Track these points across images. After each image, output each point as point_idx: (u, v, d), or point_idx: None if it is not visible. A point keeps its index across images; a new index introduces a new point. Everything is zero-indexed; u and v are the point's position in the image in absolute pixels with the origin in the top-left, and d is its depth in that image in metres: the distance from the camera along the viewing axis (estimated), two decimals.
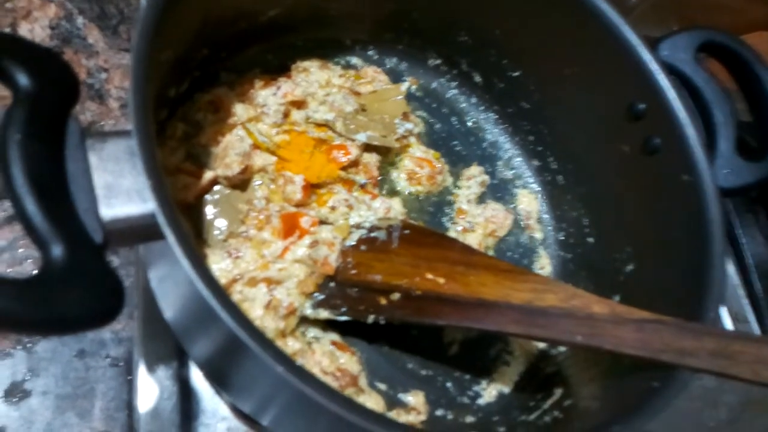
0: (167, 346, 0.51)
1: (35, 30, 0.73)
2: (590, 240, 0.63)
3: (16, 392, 0.55)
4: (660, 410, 0.41)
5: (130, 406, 0.57)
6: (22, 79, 0.32)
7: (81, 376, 0.57)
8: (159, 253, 0.39)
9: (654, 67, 0.55)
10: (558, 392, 0.53)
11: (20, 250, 0.61)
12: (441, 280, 0.50)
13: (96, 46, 0.74)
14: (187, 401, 0.51)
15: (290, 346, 0.50)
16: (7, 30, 0.72)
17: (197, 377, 0.52)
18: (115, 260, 0.63)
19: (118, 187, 0.33)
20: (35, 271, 0.29)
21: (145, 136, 0.33)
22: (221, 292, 0.32)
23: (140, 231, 0.33)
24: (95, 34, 0.75)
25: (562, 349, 0.57)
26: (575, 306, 0.46)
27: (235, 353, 0.35)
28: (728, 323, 0.78)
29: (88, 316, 0.29)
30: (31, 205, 0.29)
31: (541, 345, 0.58)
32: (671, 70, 0.57)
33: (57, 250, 0.29)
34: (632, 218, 0.58)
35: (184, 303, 0.39)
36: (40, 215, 0.29)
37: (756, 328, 0.79)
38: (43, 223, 0.29)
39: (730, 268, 0.81)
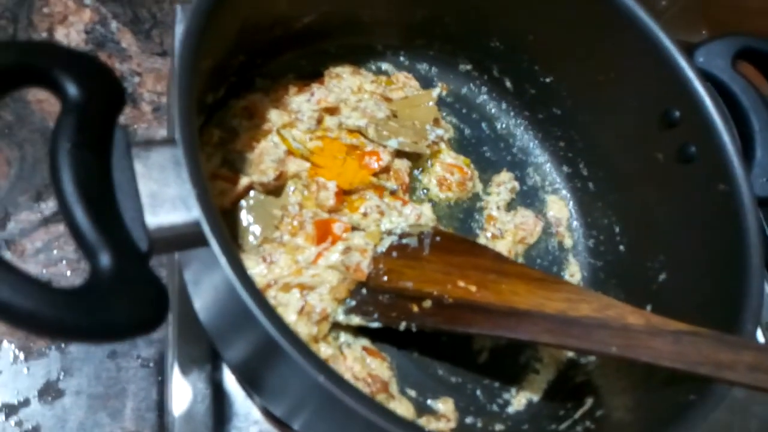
0: (201, 348, 0.51)
1: (71, 34, 0.74)
2: (621, 248, 0.62)
3: (51, 392, 0.56)
4: (697, 424, 0.40)
5: (160, 407, 0.58)
6: (71, 89, 0.32)
7: (113, 377, 0.58)
8: (195, 256, 0.39)
9: (690, 74, 0.55)
10: (589, 402, 0.53)
11: (55, 252, 0.62)
12: (473, 288, 0.50)
13: (129, 50, 0.75)
14: (219, 404, 0.51)
15: (323, 351, 0.50)
16: (44, 34, 0.73)
17: (230, 380, 0.52)
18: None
19: (163, 196, 0.34)
20: (78, 279, 0.30)
21: (189, 144, 0.33)
22: (262, 299, 0.33)
23: (185, 238, 0.34)
24: (128, 38, 0.76)
25: (591, 358, 0.57)
26: (610, 316, 0.45)
27: (270, 357, 0.35)
28: (759, 333, 0.77)
29: (134, 324, 0.30)
30: (80, 215, 0.29)
31: (571, 353, 0.58)
32: (707, 77, 0.57)
33: (105, 260, 0.29)
34: (665, 227, 0.57)
35: (221, 306, 0.39)
36: (89, 224, 0.29)
37: None
38: (91, 233, 0.29)
39: None
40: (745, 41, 0.58)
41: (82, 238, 0.30)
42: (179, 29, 0.59)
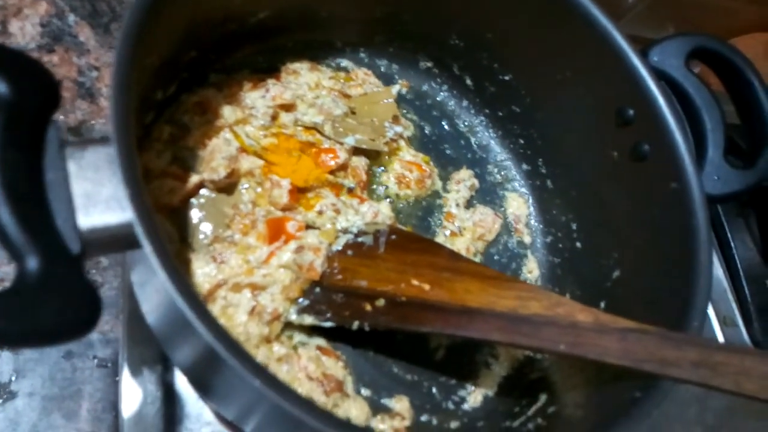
0: (152, 350, 0.50)
1: (26, 27, 0.72)
2: (578, 245, 0.63)
3: (2, 393, 0.55)
4: (641, 420, 0.41)
5: (117, 408, 0.57)
6: (0, 87, 0.32)
7: (68, 377, 0.57)
8: (139, 258, 0.38)
9: (643, 73, 0.55)
10: (542, 398, 0.53)
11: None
12: (426, 287, 0.50)
13: (87, 44, 0.74)
14: (171, 406, 0.50)
15: (276, 351, 0.50)
16: None
17: (182, 382, 0.52)
18: (103, 261, 0.63)
19: (97, 196, 0.33)
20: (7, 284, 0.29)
21: (124, 144, 0.33)
22: (197, 303, 0.32)
23: (119, 240, 0.33)
24: (86, 32, 0.74)
25: (547, 355, 0.57)
26: (559, 314, 0.46)
27: (214, 363, 0.35)
28: (716, 327, 0.78)
29: (64, 329, 0.29)
30: (5, 216, 0.28)
31: (527, 351, 0.58)
32: (661, 76, 0.57)
33: (32, 262, 0.29)
34: (620, 224, 0.58)
35: (163, 310, 0.39)
36: (16, 227, 0.29)
37: (744, 332, 0.79)
38: (18, 235, 0.29)
39: (719, 272, 0.82)
40: (699, 40, 0.59)
41: (7, 240, 0.29)
42: None
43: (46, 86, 0.34)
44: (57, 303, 0.29)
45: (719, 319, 0.79)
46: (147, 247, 0.31)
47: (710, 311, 0.79)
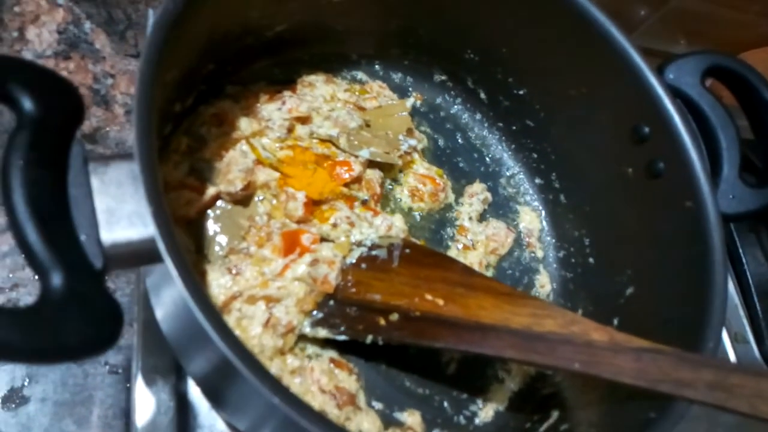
0: (166, 359, 0.51)
1: (43, 34, 0.73)
2: (591, 260, 0.63)
3: (15, 398, 0.56)
4: None
5: (127, 414, 0.57)
6: (27, 104, 0.32)
7: (79, 383, 0.58)
8: (155, 269, 0.39)
9: (659, 90, 0.55)
10: (555, 415, 0.53)
11: (23, 255, 0.61)
12: (440, 302, 0.50)
13: (103, 51, 0.74)
14: (184, 415, 0.51)
15: (289, 363, 0.50)
16: (15, 33, 0.72)
17: (195, 392, 0.52)
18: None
19: (120, 212, 0.33)
20: (32, 298, 0.29)
21: (147, 160, 0.33)
22: (215, 315, 0.33)
23: (141, 255, 0.34)
24: (102, 39, 0.75)
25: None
26: (574, 332, 0.46)
27: (228, 374, 0.35)
28: (727, 344, 0.78)
29: (86, 345, 0.29)
30: (31, 234, 0.29)
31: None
32: (677, 94, 0.57)
33: (56, 279, 0.29)
34: (634, 241, 0.58)
35: (179, 321, 0.39)
36: (40, 243, 0.29)
37: (755, 349, 0.79)
38: (42, 252, 0.29)
39: (730, 288, 0.81)
40: (714, 59, 0.59)
41: (32, 257, 0.29)
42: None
43: (71, 102, 0.34)
44: (80, 319, 0.29)
45: (730, 336, 0.78)
46: (168, 263, 0.31)
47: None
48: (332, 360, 0.52)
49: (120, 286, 0.63)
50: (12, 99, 0.32)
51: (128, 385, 0.58)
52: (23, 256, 0.29)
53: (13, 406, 0.55)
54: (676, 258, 0.53)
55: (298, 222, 0.53)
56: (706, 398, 0.41)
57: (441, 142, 0.68)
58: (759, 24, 1.10)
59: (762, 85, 0.59)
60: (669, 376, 0.42)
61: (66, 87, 0.34)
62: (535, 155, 0.68)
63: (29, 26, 0.73)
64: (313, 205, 0.55)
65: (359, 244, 0.55)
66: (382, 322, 0.50)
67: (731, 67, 0.59)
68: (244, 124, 0.54)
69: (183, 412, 0.51)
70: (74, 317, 0.29)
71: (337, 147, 0.58)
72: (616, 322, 0.56)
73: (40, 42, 0.73)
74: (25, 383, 0.56)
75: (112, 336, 0.30)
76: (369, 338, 0.50)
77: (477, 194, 0.65)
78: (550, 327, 0.46)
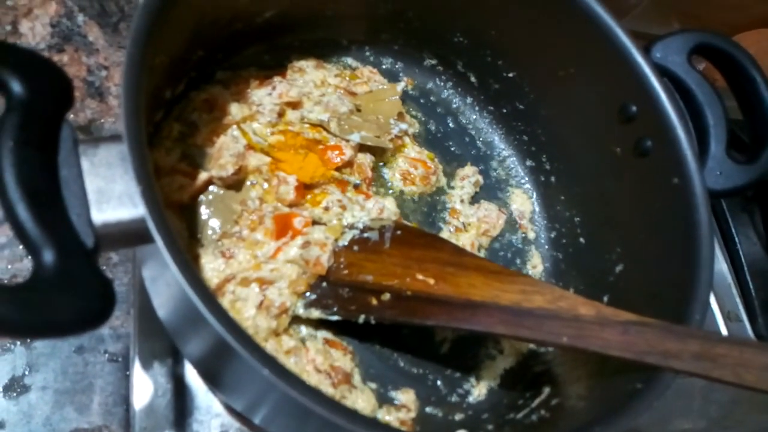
0: (162, 343, 0.51)
1: (36, 28, 0.73)
2: (582, 240, 0.63)
3: (16, 387, 0.56)
4: (642, 412, 0.41)
5: (128, 401, 0.58)
6: (15, 86, 0.33)
7: (80, 372, 0.58)
8: (150, 253, 0.39)
9: (646, 69, 0.56)
10: (546, 391, 0.54)
11: (20, 246, 0.62)
12: (431, 281, 0.51)
13: (96, 43, 0.75)
14: (181, 398, 0.51)
15: (285, 343, 0.50)
16: (8, 27, 0.73)
17: (191, 374, 0.53)
18: (114, 257, 0.64)
19: (110, 192, 0.34)
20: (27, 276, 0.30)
21: (135, 141, 0.34)
22: (208, 295, 0.33)
23: (131, 235, 0.34)
24: (95, 32, 0.75)
25: (550, 348, 0.58)
26: (562, 307, 0.46)
27: (224, 354, 0.36)
28: (720, 322, 0.79)
29: (78, 320, 0.30)
30: (22, 212, 0.29)
31: (531, 344, 0.59)
32: (664, 72, 0.58)
33: (48, 256, 0.30)
34: (623, 219, 0.59)
35: (174, 303, 0.40)
36: (32, 222, 0.30)
37: (748, 327, 0.80)
38: (34, 230, 0.30)
39: (724, 267, 0.82)
40: (701, 37, 0.59)
41: (24, 235, 0.30)
42: None
43: (59, 85, 0.35)
44: (72, 295, 0.30)
45: (723, 314, 0.79)
46: (158, 241, 0.32)
47: (714, 306, 0.80)
48: (327, 340, 0.53)
49: (118, 275, 0.64)
50: (0, 82, 0.32)
51: (128, 372, 0.59)
52: (15, 234, 0.30)
53: (15, 394, 0.56)
54: (664, 234, 0.53)
55: (290, 206, 0.54)
56: (692, 368, 0.42)
57: (432, 126, 0.69)
58: (752, 5, 1.10)
59: (749, 62, 0.60)
60: (655, 348, 0.43)
61: (54, 70, 0.34)
62: (526, 138, 0.69)
63: (22, 20, 0.74)
64: (305, 189, 0.55)
65: (351, 226, 0.56)
66: (374, 302, 0.51)
67: (718, 45, 0.60)
68: (235, 110, 0.54)
69: (180, 394, 0.52)
70: (66, 294, 0.30)
71: (328, 131, 0.59)
72: (606, 299, 0.57)
73: (33, 35, 0.73)
74: (26, 372, 0.57)
75: (103, 312, 0.31)
76: (361, 318, 0.51)
77: (468, 177, 0.66)
78: (539, 303, 0.47)
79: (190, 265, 0.33)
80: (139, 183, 0.32)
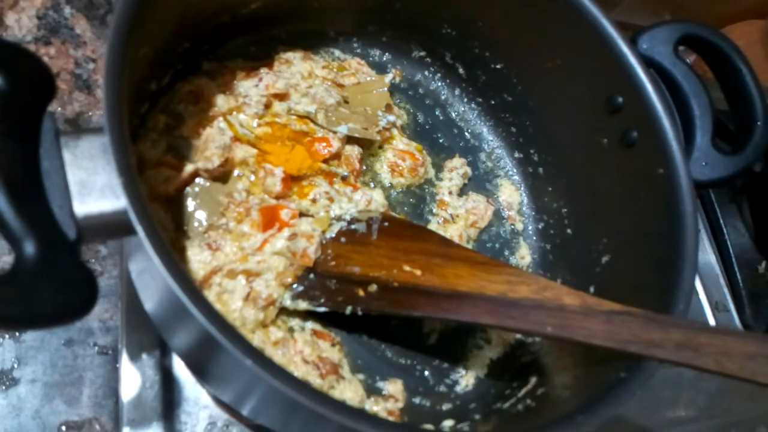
0: (150, 335, 0.52)
1: (22, 20, 0.73)
2: (569, 231, 0.64)
3: (5, 380, 0.56)
4: (624, 400, 0.42)
5: (117, 394, 0.58)
6: None
7: (69, 364, 0.58)
8: (135, 246, 0.39)
9: (632, 60, 0.56)
10: (533, 381, 0.54)
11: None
12: (418, 272, 0.51)
13: (83, 36, 0.74)
14: (169, 390, 0.52)
15: (272, 335, 0.51)
16: None
17: (179, 366, 0.53)
18: (102, 250, 0.64)
19: (92, 184, 0.34)
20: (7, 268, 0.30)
21: (117, 133, 0.34)
22: (190, 285, 0.33)
23: (114, 227, 0.34)
24: (83, 24, 0.75)
25: (538, 338, 0.58)
26: (547, 297, 0.47)
27: (209, 346, 0.36)
28: (708, 313, 0.79)
29: (60, 312, 0.30)
30: (3, 204, 0.29)
31: (518, 335, 0.59)
32: (650, 64, 0.58)
33: (29, 248, 0.30)
34: (609, 210, 0.59)
35: (159, 296, 0.40)
36: (12, 213, 0.30)
37: (736, 318, 0.80)
38: (15, 221, 0.30)
39: (712, 258, 0.83)
40: (688, 27, 0.59)
41: (5, 227, 0.30)
42: None
43: (41, 77, 0.35)
44: (54, 287, 0.30)
45: (711, 305, 0.80)
46: (140, 233, 0.32)
47: (702, 297, 0.80)
48: (315, 332, 0.53)
49: (107, 268, 0.63)
50: None
51: (117, 365, 0.59)
52: None
53: (4, 387, 0.56)
54: (650, 225, 0.54)
55: (277, 197, 0.54)
56: (675, 357, 0.42)
57: (421, 118, 0.69)
58: None
59: (734, 53, 0.60)
60: (639, 337, 0.43)
61: (34, 61, 0.34)
62: (514, 129, 0.69)
63: (8, 12, 0.73)
64: (292, 181, 0.55)
65: (338, 218, 0.56)
66: (361, 293, 0.51)
67: (704, 36, 0.60)
68: (221, 101, 0.54)
69: (168, 386, 0.52)
70: (48, 286, 0.30)
71: (315, 123, 0.59)
72: (592, 289, 0.57)
73: (19, 28, 0.73)
74: (15, 365, 0.57)
75: (86, 304, 0.31)
76: (348, 309, 0.51)
77: (457, 169, 0.66)
78: (524, 293, 0.47)
79: (172, 256, 0.33)
80: (120, 175, 0.32)
